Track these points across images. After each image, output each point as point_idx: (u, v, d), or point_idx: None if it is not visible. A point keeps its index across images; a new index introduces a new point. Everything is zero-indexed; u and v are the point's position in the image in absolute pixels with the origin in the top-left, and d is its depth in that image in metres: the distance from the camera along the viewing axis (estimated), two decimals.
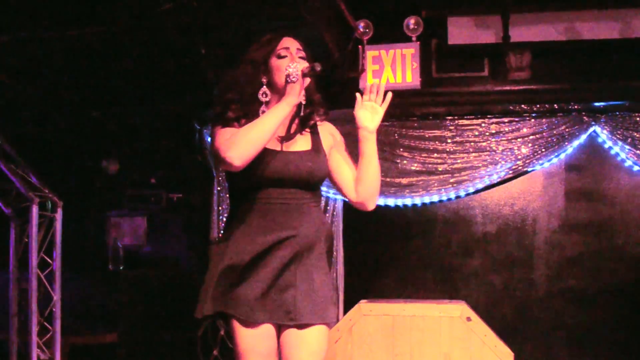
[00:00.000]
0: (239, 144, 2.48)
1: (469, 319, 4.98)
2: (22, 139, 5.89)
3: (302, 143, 2.68)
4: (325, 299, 2.59)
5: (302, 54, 2.69)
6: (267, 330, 2.60)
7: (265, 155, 2.58)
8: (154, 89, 6.38)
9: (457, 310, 5.03)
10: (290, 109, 2.59)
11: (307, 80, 2.63)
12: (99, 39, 4.89)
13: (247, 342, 2.59)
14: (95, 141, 7.16)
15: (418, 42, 6.02)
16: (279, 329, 2.62)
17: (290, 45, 2.68)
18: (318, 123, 2.75)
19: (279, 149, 2.63)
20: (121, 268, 7.08)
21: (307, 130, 2.72)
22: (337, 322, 5.32)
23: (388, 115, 6.90)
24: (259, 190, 2.60)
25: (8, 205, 5.59)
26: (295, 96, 2.58)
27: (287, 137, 2.67)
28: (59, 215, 5.82)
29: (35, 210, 5.56)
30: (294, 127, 2.70)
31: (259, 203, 2.60)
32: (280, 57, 2.65)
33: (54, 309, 5.77)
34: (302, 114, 2.70)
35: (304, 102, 2.69)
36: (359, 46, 6.03)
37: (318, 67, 2.57)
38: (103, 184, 7.21)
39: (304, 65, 2.60)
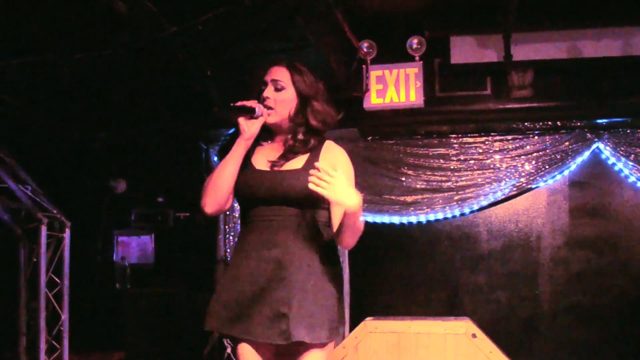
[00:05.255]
0: (206, 193, 2.69)
1: (474, 335, 4.99)
2: (31, 160, 5.95)
3: (295, 162, 2.71)
4: (316, 318, 2.58)
5: (281, 84, 2.73)
6: (262, 349, 2.63)
7: (254, 175, 2.70)
8: (160, 110, 6.44)
9: (462, 327, 5.04)
10: (244, 145, 2.69)
11: (254, 123, 2.69)
12: (106, 62, 4.95)
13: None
14: (103, 161, 7.23)
15: (421, 62, 6.05)
16: (277, 350, 2.65)
17: (273, 75, 2.74)
18: (324, 146, 2.77)
19: (268, 168, 2.71)
20: (128, 287, 7.11)
21: (307, 149, 2.74)
22: (343, 340, 5.34)
23: (393, 134, 6.98)
24: (253, 208, 2.70)
25: (17, 226, 5.65)
26: (243, 135, 2.67)
27: (275, 162, 2.71)
28: (67, 235, 5.88)
29: (44, 230, 5.62)
30: (285, 152, 2.75)
31: (253, 221, 2.69)
32: (261, 89, 2.74)
33: (62, 328, 5.81)
34: (294, 143, 2.74)
35: (289, 140, 2.74)
36: (363, 66, 6.07)
37: (253, 109, 2.67)
38: (110, 204, 7.26)
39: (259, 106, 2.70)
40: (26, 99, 5.79)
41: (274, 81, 2.73)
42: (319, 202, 2.65)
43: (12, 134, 6.05)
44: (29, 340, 5.65)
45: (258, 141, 2.76)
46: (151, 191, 7.23)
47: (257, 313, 2.58)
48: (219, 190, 2.67)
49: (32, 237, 5.67)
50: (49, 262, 5.76)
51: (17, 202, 5.54)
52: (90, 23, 4.42)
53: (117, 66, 5.19)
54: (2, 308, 6.10)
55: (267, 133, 2.77)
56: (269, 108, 2.71)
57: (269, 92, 2.72)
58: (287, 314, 2.55)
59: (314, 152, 2.73)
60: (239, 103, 2.69)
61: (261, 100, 2.71)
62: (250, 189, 2.68)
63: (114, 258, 7.22)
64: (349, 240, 2.65)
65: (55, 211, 5.77)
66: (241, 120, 2.68)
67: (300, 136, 2.73)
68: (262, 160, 2.74)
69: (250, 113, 2.68)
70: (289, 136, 2.74)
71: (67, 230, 5.88)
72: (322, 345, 2.61)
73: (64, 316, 5.83)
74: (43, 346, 5.58)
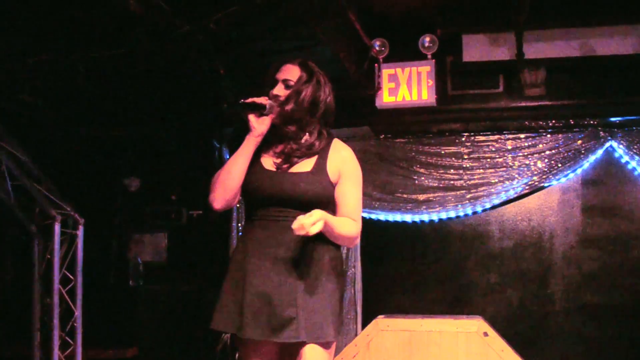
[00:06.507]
0: (214, 188, 2.69)
1: (485, 334, 5.00)
2: (45, 158, 6.00)
3: (304, 164, 2.70)
4: (321, 317, 2.60)
5: (291, 82, 2.72)
6: (266, 347, 2.65)
7: (263, 175, 2.69)
8: (174, 108, 6.48)
9: (474, 326, 5.04)
10: (254, 142, 2.69)
11: (264, 120, 2.69)
12: (120, 60, 4.99)
13: (248, 358, 2.66)
14: (117, 159, 7.28)
15: (433, 60, 6.07)
16: (281, 347, 2.66)
17: (284, 74, 2.74)
18: (332, 146, 2.76)
19: (276, 169, 2.70)
20: (141, 284, 7.16)
21: (315, 151, 2.73)
22: (355, 337, 5.37)
23: (405, 132, 6.98)
24: (259, 208, 2.70)
25: (31, 223, 5.70)
26: (253, 132, 2.68)
27: (284, 163, 2.71)
28: (80, 233, 5.92)
29: (57, 227, 5.66)
30: (293, 153, 2.73)
31: (258, 220, 2.69)
32: (272, 87, 2.74)
33: (75, 324, 5.85)
34: (303, 145, 2.73)
35: (298, 141, 2.73)
36: (375, 64, 6.09)
37: (264, 105, 2.67)
38: (124, 201, 7.31)
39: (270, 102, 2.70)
40: (41, 97, 5.83)
41: (285, 80, 2.72)
42: (325, 205, 2.66)
43: (27, 132, 6.10)
44: (43, 335, 5.70)
45: (267, 141, 2.75)
46: (165, 189, 7.26)
47: (262, 312, 2.58)
48: (228, 186, 2.67)
49: (46, 234, 5.71)
50: (63, 259, 5.80)
51: (31, 199, 5.59)
52: (104, 22, 4.45)
53: (131, 65, 5.22)
54: (16, 304, 6.16)
55: (276, 133, 2.75)
56: (279, 106, 2.70)
57: (279, 90, 2.71)
58: (292, 313, 2.56)
59: (322, 153, 2.73)
60: (250, 100, 2.68)
61: (271, 97, 2.70)
62: (259, 189, 2.68)
63: (127, 255, 7.27)
64: (342, 244, 2.73)
65: (69, 208, 5.81)
66: (251, 117, 2.68)
67: (307, 137, 2.72)
68: (270, 160, 2.73)
69: (260, 110, 2.67)
70: (298, 137, 2.73)
71: (81, 228, 5.92)
72: (327, 343, 2.62)
73: (77, 312, 5.87)
74: (56, 342, 5.62)
